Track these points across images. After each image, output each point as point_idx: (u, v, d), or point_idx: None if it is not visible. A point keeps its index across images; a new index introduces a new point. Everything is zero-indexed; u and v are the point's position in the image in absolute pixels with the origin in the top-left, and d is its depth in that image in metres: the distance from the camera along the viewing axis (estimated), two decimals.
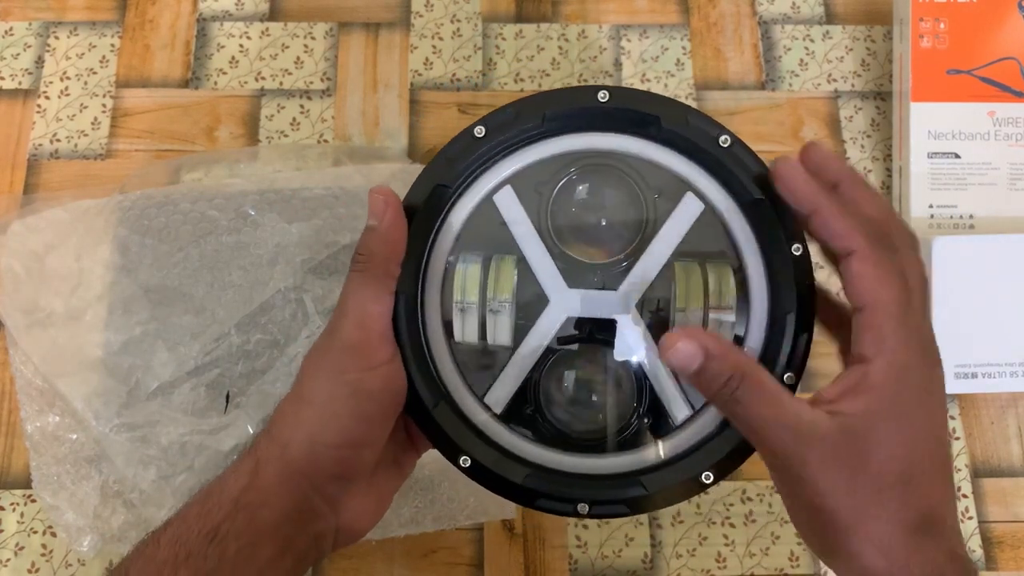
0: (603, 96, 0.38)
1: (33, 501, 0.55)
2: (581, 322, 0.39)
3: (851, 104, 0.65)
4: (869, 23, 0.67)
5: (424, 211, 0.39)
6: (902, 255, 0.34)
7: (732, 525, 0.55)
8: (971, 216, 0.60)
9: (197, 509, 0.36)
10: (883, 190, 0.63)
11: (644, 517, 0.55)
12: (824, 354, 0.59)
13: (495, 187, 0.39)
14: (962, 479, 0.57)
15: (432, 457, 0.54)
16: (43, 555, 0.54)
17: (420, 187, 0.39)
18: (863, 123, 0.65)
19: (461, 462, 0.38)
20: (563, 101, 0.39)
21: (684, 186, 0.39)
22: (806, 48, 0.67)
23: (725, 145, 0.38)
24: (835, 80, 0.66)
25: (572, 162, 0.40)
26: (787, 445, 0.32)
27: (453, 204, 0.39)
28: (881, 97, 0.65)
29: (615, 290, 0.38)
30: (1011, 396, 0.58)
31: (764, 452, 0.34)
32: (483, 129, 0.39)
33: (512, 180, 0.39)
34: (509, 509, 0.54)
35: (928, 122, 0.60)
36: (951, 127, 0.60)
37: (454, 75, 0.65)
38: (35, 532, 0.54)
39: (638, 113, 0.38)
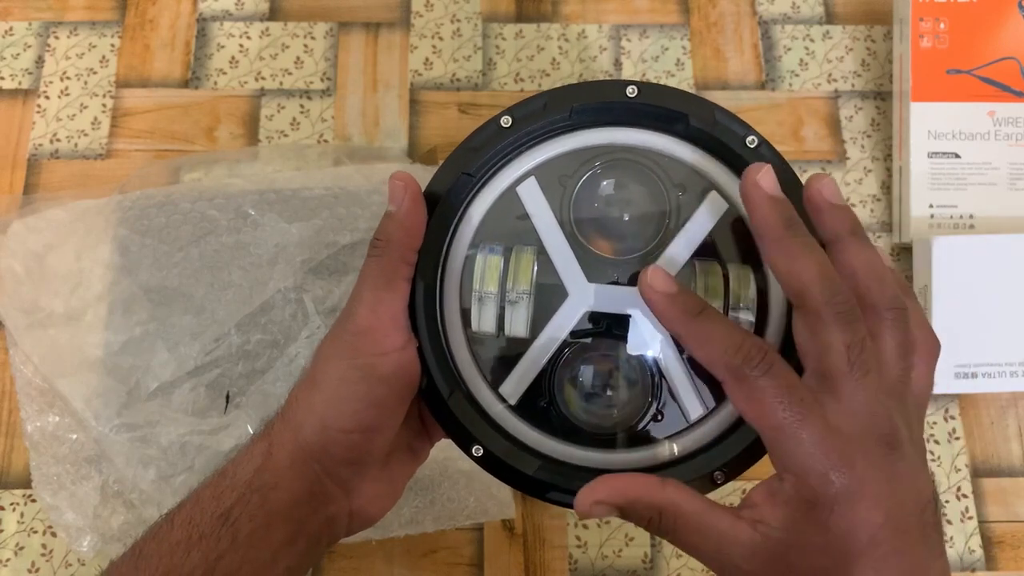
0: (632, 91, 0.38)
1: (33, 501, 0.55)
2: (599, 317, 0.39)
3: (851, 104, 0.65)
4: (869, 23, 0.67)
5: (446, 199, 0.39)
6: (820, 337, 0.32)
7: None
8: (971, 216, 0.60)
9: (211, 491, 0.36)
10: (883, 190, 0.63)
11: None
12: None
13: (519, 178, 0.39)
14: (962, 479, 0.57)
15: (432, 457, 0.54)
16: (43, 555, 0.54)
17: (443, 175, 0.39)
18: (863, 123, 0.65)
19: (474, 451, 0.38)
20: (592, 95, 0.39)
21: (708, 185, 0.39)
22: (806, 48, 0.67)
23: (752, 146, 0.38)
24: (835, 80, 0.66)
25: (597, 156, 0.40)
26: (716, 565, 0.33)
27: (476, 193, 0.39)
28: (881, 97, 0.65)
29: (635, 286, 0.38)
30: (1011, 396, 0.58)
31: (706, 566, 0.34)
32: (510, 119, 0.39)
33: (536, 172, 0.39)
34: (509, 509, 0.54)
35: (928, 122, 0.60)
36: (951, 127, 0.60)
37: (454, 75, 0.65)
38: (35, 532, 0.54)
39: (666, 110, 0.38)
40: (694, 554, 0.33)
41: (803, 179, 0.62)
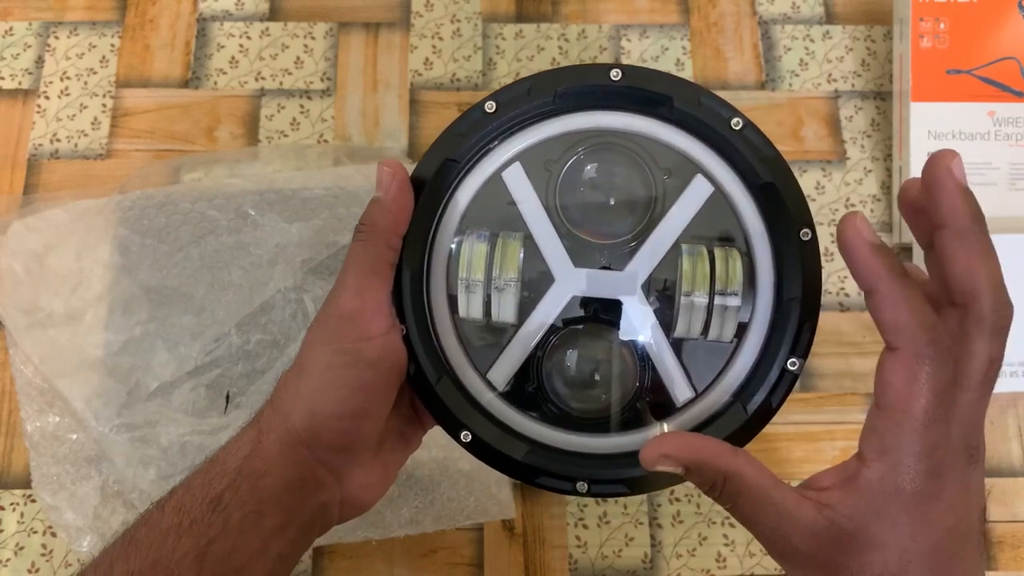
0: (616, 75, 0.38)
1: (33, 501, 0.55)
2: (586, 302, 0.39)
3: (851, 104, 0.65)
4: (869, 23, 0.67)
5: (432, 185, 0.39)
6: (970, 343, 0.31)
7: (732, 525, 0.55)
8: None
9: (201, 478, 0.36)
10: (883, 190, 0.63)
11: (644, 517, 0.55)
12: (826, 354, 0.59)
13: (504, 163, 0.39)
14: None
15: (432, 457, 0.54)
16: (43, 555, 0.54)
17: (429, 161, 0.39)
18: (863, 123, 0.65)
19: (462, 437, 0.38)
20: (575, 78, 0.39)
21: (694, 168, 0.39)
22: (806, 48, 0.67)
23: (737, 128, 0.38)
24: (835, 80, 0.66)
25: (582, 140, 0.40)
26: (770, 541, 0.33)
27: (462, 179, 0.39)
28: (881, 97, 0.65)
29: (621, 271, 0.39)
30: (1011, 396, 0.58)
31: (758, 540, 0.34)
32: (494, 104, 0.39)
33: (521, 157, 0.39)
34: (509, 509, 0.54)
35: (928, 122, 0.60)
36: (951, 127, 0.60)
37: (454, 75, 0.65)
38: (35, 532, 0.54)
39: (650, 93, 0.38)
40: (751, 527, 0.33)
41: (803, 177, 0.62)
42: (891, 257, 0.32)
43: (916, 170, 0.60)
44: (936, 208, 0.32)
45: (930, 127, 0.60)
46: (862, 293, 0.33)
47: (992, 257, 0.32)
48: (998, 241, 0.59)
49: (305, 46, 0.66)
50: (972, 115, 0.61)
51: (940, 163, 0.32)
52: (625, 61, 0.66)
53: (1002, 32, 0.61)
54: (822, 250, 0.38)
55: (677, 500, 0.56)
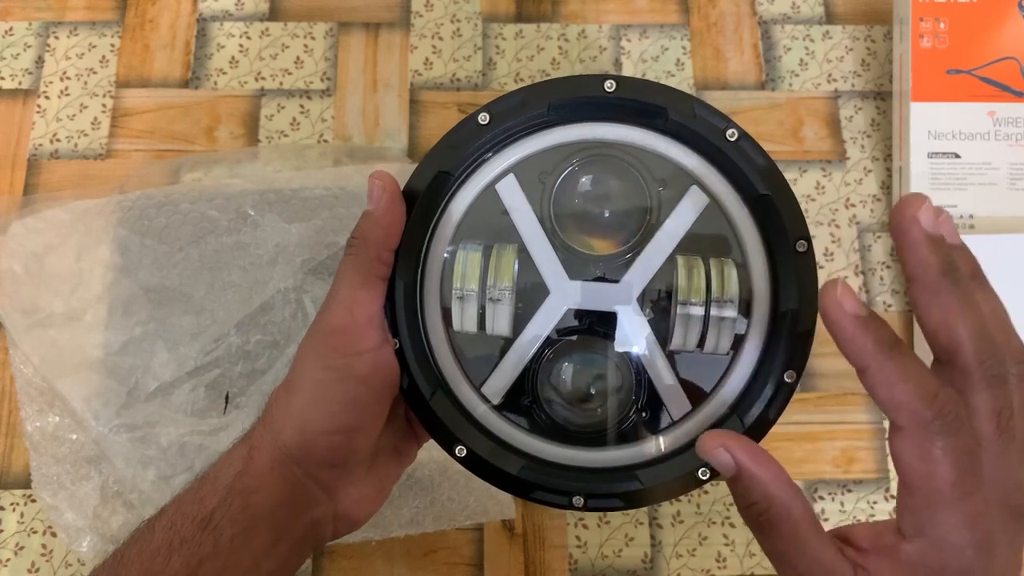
0: (610, 86, 0.38)
1: (33, 501, 0.55)
2: (581, 314, 0.39)
3: (851, 104, 0.65)
4: (869, 23, 0.67)
5: (425, 198, 0.38)
6: (968, 399, 0.29)
7: (732, 525, 0.55)
8: (971, 216, 0.60)
9: (191, 495, 0.36)
10: (883, 190, 0.63)
11: (644, 517, 0.55)
12: (825, 354, 0.59)
13: (498, 175, 0.39)
14: None
15: (432, 458, 0.54)
16: (43, 555, 0.54)
17: (422, 173, 0.39)
18: (863, 123, 0.65)
19: (457, 452, 0.38)
20: (569, 90, 0.39)
21: (689, 179, 0.39)
22: (806, 48, 0.67)
23: (732, 139, 0.37)
24: (835, 80, 0.66)
25: (576, 152, 0.39)
26: None
27: (455, 191, 0.39)
28: (881, 97, 0.65)
29: (617, 282, 0.38)
30: None
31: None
32: (487, 116, 0.38)
33: (515, 169, 0.39)
34: (509, 509, 0.54)
35: (928, 122, 0.60)
36: (951, 127, 0.60)
37: (454, 75, 0.65)
38: (35, 532, 0.54)
39: (645, 104, 0.38)
40: (777, 563, 0.32)
41: (803, 177, 0.62)
42: (879, 328, 0.30)
43: (916, 170, 0.60)
44: (904, 261, 0.31)
45: (930, 127, 0.60)
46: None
47: (973, 309, 0.30)
48: (998, 241, 0.59)
49: (305, 46, 0.66)
50: (972, 115, 0.61)
51: (905, 213, 0.30)
52: (625, 61, 0.66)
53: (1002, 32, 0.61)
54: (820, 252, 0.38)
55: (677, 500, 0.56)
